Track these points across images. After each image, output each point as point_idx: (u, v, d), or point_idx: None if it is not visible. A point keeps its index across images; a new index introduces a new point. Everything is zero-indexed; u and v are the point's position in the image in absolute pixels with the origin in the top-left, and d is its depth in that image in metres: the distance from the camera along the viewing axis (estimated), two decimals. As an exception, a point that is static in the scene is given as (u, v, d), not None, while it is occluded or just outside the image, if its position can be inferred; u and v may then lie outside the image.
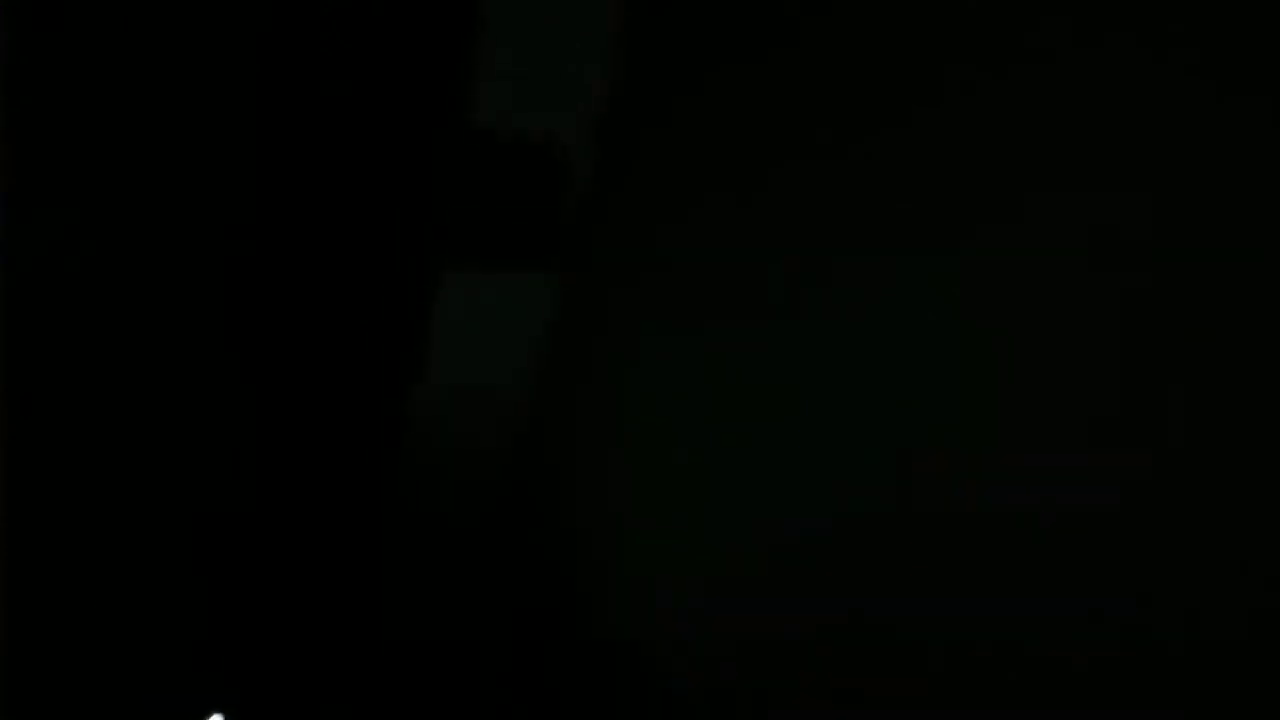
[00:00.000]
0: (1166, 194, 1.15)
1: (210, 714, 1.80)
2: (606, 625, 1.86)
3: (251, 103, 1.61)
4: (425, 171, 1.78)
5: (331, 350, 1.85)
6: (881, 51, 1.48)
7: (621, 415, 1.88)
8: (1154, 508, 1.11)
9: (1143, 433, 1.13)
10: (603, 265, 1.94)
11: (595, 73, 1.88)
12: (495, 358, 1.99)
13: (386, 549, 2.02)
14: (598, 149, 1.93)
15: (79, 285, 1.64)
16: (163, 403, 1.76)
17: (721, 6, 1.74)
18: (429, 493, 2.03)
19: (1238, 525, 1.02)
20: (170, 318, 1.71)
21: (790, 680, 1.54)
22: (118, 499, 1.77)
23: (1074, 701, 1.18)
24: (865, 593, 1.44)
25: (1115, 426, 1.16)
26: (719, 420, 1.69)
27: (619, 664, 1.83)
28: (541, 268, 1.93)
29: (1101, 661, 1.15)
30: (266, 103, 1.62)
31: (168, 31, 1.53)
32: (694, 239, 1.76)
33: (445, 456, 2.01)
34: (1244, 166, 1.08)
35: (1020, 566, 1.25)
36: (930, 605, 1.35)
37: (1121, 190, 1.20)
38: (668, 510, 1.77)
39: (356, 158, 1.73)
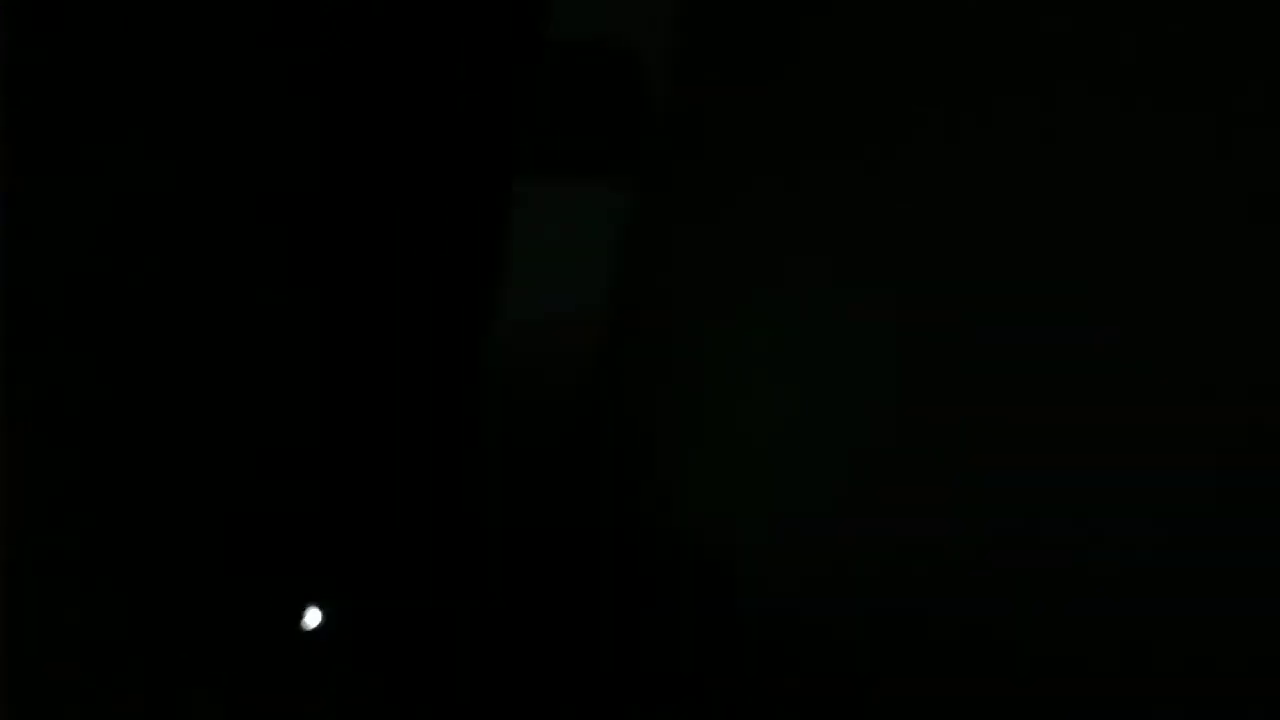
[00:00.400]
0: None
1: (308, 606, 1.83)
2: (674, 531, 1.88)
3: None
4: (503, 78, 1.75)
5: (408, 266, 1.84)
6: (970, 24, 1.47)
7: (693, 341, 1.89)
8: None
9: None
10: (682, 183, 1.92)
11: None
12: (572, 273, 1.99)
13: (473, 453, 2.04)
14: (680, 63, 1.90)
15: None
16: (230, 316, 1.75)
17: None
18: (511, 407, 2.04)
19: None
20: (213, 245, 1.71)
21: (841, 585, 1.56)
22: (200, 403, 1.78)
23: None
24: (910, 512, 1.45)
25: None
26: (787, 344, 1.69)
27: (688, 567, 1.85)
28: (619, 180, 1.91)
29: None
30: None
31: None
32: (774, 169, 1.74)
33: (525, 372, 2.02)
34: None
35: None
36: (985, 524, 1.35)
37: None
38: (736, 428, 1.78)
39: (432, 68, 1.70)
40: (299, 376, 1.84)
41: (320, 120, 1.67)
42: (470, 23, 1.69)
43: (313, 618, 1.83)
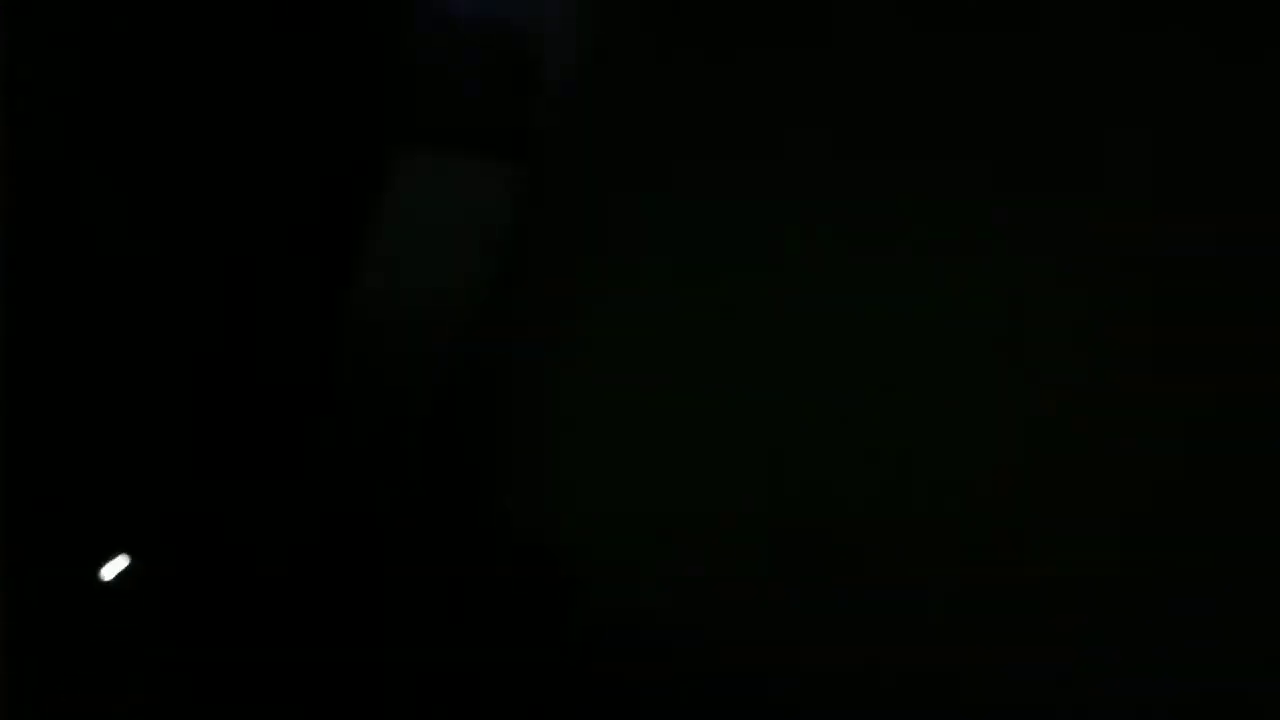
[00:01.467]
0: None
1: (114, 554, 1.76)
2: (536, 530, 1.81)
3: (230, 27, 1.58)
4: (393, 48, 1.72)
5: (284, 241, 1.80)
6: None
7: (572, 327, 1.85)
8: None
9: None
10: (574, 161, 1.91)
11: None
12: (449, 248, 1.93)
13: (321, 435, 1.97)
14: (579, 43, 1.88)
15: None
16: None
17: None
18: (369, 386, 1.97)
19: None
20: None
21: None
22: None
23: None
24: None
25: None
26: (671, 335, 1.66)
27: (545, 569, 1.78)
28: (507, 156, 1.86)
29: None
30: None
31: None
32: (670, 146, 1.73)
33: (389, 348, 1.96)
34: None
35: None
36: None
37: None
38: (611, 428, 1.73)
39: (324, 47, 1.67)
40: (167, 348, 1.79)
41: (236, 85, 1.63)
42: None
43: (114, 568, 1.73)
